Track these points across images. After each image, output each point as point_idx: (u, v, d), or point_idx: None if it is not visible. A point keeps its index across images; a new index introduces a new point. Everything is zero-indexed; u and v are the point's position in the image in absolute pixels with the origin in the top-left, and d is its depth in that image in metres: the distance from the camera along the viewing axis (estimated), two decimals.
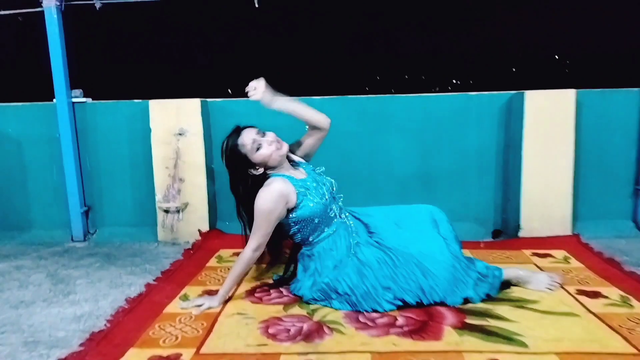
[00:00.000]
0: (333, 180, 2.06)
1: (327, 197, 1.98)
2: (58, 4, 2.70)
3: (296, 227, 1.96)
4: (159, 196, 2.84)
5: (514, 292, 2.00)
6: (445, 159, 2.90)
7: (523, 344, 1.57)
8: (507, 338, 1.61)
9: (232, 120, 2.89)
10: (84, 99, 2.91)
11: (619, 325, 1.69)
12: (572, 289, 2.03)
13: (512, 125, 2.81)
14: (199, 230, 2.85)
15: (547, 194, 2.74)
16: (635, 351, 1.52)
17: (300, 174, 2.02)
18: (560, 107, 2.69)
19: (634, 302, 1.90)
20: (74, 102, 2.88)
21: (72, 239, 2.94)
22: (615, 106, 2.83)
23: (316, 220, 1.94)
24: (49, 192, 2.98)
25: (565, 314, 1.80)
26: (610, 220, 2.88)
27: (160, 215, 2.86)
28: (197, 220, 2.86)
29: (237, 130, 1.97)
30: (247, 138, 1.93)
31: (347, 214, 2.05)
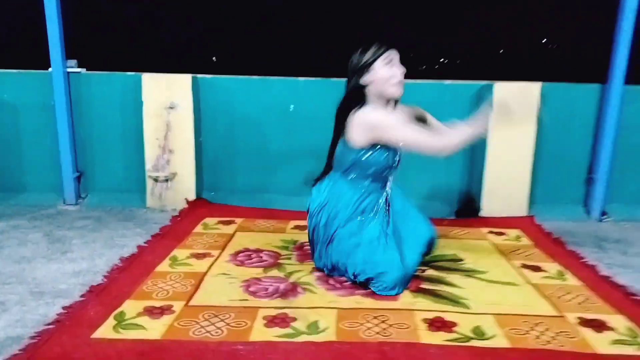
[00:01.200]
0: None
1: (397, 160, 2.06)
2: None
3: (354, 159, 1.99)
4: (148, 165, 3.02)
5: (466, 263, 2.27)
6: None
7: (466, 306, 1.84)
8: (453, 301, 1.88)
9: (220, 96, 3.11)
10: (78, 69, 3.04)
11: (550, 294, 1.97)
12: (517, 263, 2.31)
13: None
14: (186, 199, 3.05)
15: (507, 178, 3.00)
16: (557, 313, 1.81)
17: None
18: (525, 98, 2.93)
19: (568, 275, 2.18)
20: (69, 72, 3.01)
21: (64, 202, 3.11)
22: (577, 100, 3.09)
23: (371, 170, 2.01)
24: (43, 157, 3.13)
25: (507, 284, 2.07)
26: (563, 204, 3.17)
27: (149, 184, 3.05)
28: (184, 189, 3.06)
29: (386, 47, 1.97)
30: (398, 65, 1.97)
31: (390, 189, 2.10)
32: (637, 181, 3.17)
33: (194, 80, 3.00)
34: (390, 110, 2.04)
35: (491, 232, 2.79)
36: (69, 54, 3.01)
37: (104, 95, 3.07)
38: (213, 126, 3.11)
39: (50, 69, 2.97)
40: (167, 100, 2.94)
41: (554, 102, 3.01)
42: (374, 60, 1.94)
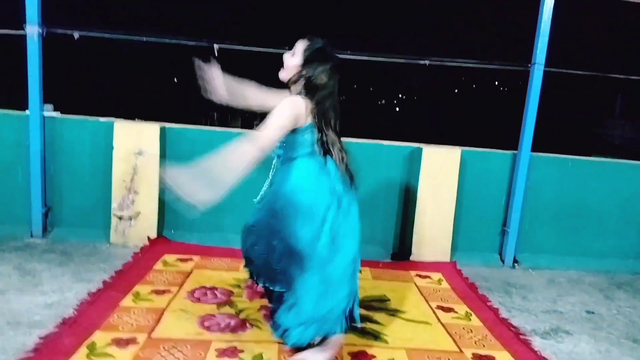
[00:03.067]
0: None
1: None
2: (40, 31, 3.09)
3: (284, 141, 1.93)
4: (114, 204, 3.29)
5: (392, 304, 2.68)
6: (360, 192, 3.56)
7: (385, 341, 2.24)
8: (375, 336, 2.28)
9: (186, 145, 3.44)
10: (54, 113, 3.31)
11: (455, 332, 2.41)
12: (434, 304, 2.75)
13: (412, 171, 3.52)
14: (148, 237, 3.33)
15: (433, 228, 3.47)
16: (457, 349, 2.24)
17: None
18: (448, 160, 3.44)
19: (473, 317, 2.64)
20: (45, 116, 3.27)
21: (31, 235, 3.32)
22: (492, 164, 3.64)
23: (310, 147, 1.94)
24: (13, 192, 3.33)
25: (422, 322, 2.50)
26: (481, 252, 3.67)
27: (114, 221, 3.31)
28: (146, 227, 3.34)
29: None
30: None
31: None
32: (543, 234, 3.72)
33: (162, 129, 3.33)
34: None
35: (418, 275, 3.23)
36: (45, 97, 3.28)
37: (77, 137, 3.33)
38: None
39: (27, 111, 3.22)
40: (136, 146, 3.24)
41: (473, 164, 3.54)
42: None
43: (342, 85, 2.04)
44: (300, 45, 1.97)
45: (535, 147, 3.57)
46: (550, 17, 3.44)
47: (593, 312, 2.90)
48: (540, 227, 3.70)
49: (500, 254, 3.69)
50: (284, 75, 1.99)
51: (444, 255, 3.52)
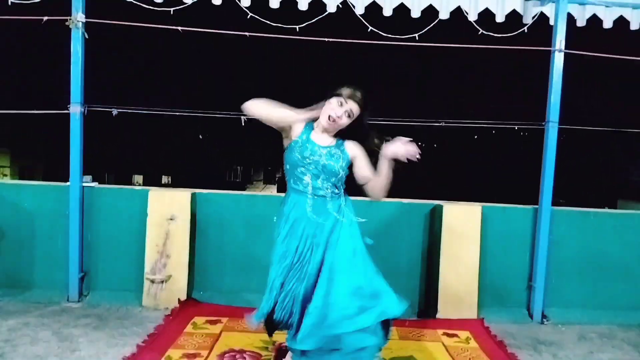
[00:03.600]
0: (341, 172, 2.25)
1: (310, 161, 2.22)
2: (82, 109, 3.38)
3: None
4: (147, 268, 3.44)
5: None
6: (382, 250, 3.63)
7: None
8: None
9: (215, 209, 3.60)
10: (93, 184, 3.54)
11: None
12: None
13: (434, 229, 3.58)
14: (178, 299, 3.43)
15: (459, 284, 3.49)
16: None
17: (324, 140, 2.27)
18: (469, 217, 3.51)
19: None
20: (84, 186, 3.50)
21: (67, 300, 3.47)
22: (514, 219, 3.68)
23: (287, 167, 2.27)
24: (52, 259, 3.52)
25: None
26: (509, 308, 3.64)
27: (146, 285, 3.44)
28: (177, 290, 3.46)
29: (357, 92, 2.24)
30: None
31: (315, 195, 2.24)
32: (571, 288, 3.69)
33: (193, 195, 3.51)
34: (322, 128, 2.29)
35: (445, 334, 3.22)
36: (85, 169, 3.52)
37: (113, 206, 3.54)
38: (205, 234, 3.58)
39: (68, 183, 3.46)
40: (168, 212, 3.42)
41: (495, 220, 3.60)
42: (333, 95, 2.24)
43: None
44: (355, 106, 2.23)
45: (563, 198, 3.62)
46: (561, 75, 3.58)
47: None
48: (567, 281, 3.68)
49: (528, 310, 3.66)
50: (337, 125, 2.26)
51: (471, 312, 3.51)
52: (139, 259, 3.47)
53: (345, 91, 2.22)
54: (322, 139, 2.28)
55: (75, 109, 3.36)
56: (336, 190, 2.29)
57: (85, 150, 3.50)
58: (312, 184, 2.24)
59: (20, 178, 20.82)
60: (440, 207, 3.52)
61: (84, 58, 3.36)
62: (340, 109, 2.21)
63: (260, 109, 2.26)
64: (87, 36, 3.34)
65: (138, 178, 26.60)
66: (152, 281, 3.43)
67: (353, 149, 2.30)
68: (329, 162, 2.23)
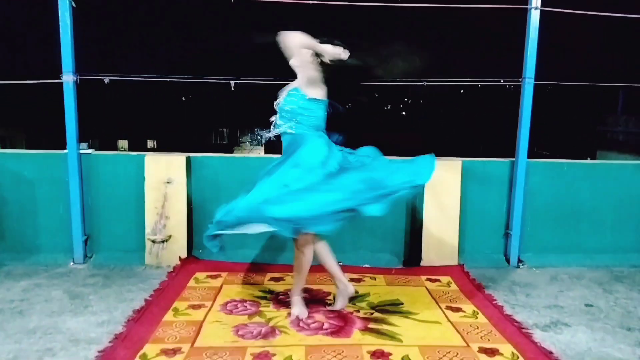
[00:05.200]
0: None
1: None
2: (74, 78, 3.46)
3: None
4: (148, 230, 3.62)
5: (405, 307, 2.96)
6: None
7: (400, 340, 2.52)
8: (391, 337, 2.56)
9: (210, 171, 3.75)
10: (89, 150, 3.66)
11: (463, 330, 2.67)
12: (443, 305, 3.01)
13: None
14: (180, 257, 3.64)
15: (441, 234, 3.75)
16: (465, 344, 2.51)
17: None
18: (450, 171, 3.73)
19: (480, 315, 2.90)
20: (81, 153, 3.62)
21: (73, 262, 3.65)
22: (492, 171, 3.91)
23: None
24: (55, 223, 3.68)
25: (432, 322, 2.77)
26: (487, 254, 3.93)
27: (148, 245, 3.64)
28: (177, 249, 3.66)
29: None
30: None
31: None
32: (545, 235, 3.97)
33: (187, 159, 3.66)
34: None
35: (428, 279, 3.49)
36: (81, 137, 3.63)
37: (111, 171, 3.68)
38: (202, 196, 3.75)
39: (66, 150, 3.58)
40: (165, 176, 3.58)
41: (474, 173, 3.82)
42: None
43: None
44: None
45: (547, 150, 3.84)
46: (537, 32, 3.72)
47: (592, 305, 3.15)
48: (541, 228, 3.95)
49: (505, 255, 3.95)
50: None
51: (452, 260, 3.78)
52: (139, 221, 3.65)
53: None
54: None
55: (68, 78, 3.44)
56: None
57: (80, 120, 3.60)
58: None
59: (2, 147, 20.60)
60: None
61: (73, 26, 3.41)
62: None
63: (300, 39, 2.65)
64: (74, 4, 3.38)
65: (123, 143, 26.39)
66: (154, 241, 3.63)
67: None
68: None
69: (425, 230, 3.73)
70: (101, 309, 2.86)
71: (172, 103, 27.10)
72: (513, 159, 3.87)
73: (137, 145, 25.34)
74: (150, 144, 28.75)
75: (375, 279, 3.47)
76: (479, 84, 4.38)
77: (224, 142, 32.78)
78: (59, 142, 3.77)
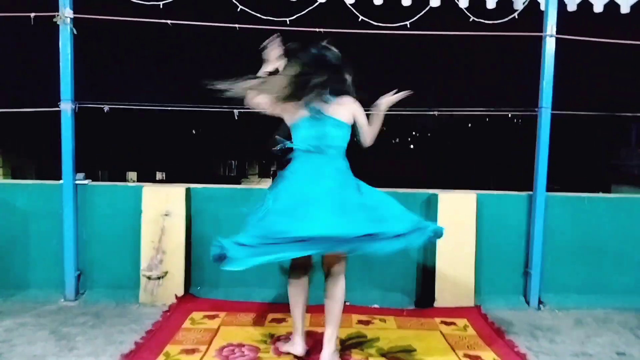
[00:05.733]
0: None
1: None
2: (73, 106, 3.34)
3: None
4: (143, 265, 3.42)
5: (418, 354, 2.70)
6: None
7: None
8: None
9: (211, 203, 3.58)
10: (86, 181, 3.51)
11: None
12: (461, 353, 2.75)
13: (429, 218, 3.58)
14: (176, 295, 3.43)
15: (455, 272, 3.50)
16: None
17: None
18: (464, 205, 3.52)
19: None
20: (77, 184, 3.47)
21: (64, 299, 3.45)
22: (509, 206, 3.69)
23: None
24: (48, 257, 3.50)
25: None
26: (505, 295, 3.66)
27: (142, 281, 3.43)
28: (174, 286, 3.45)
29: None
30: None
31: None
32: (567, 273, 3.70)
33: (187, 190, 3.50)
34: None
35: (443, 322, 3.23)
36: (77, 167, 3.49)
37: (107, 203, 3.52)
38: (201, 230, 3.56)
39: (61, 181, 3.43)
40: (163, 208, 3.40)
41: (490, 207, 3.60)
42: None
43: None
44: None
45: (558, 184, 3.63)
46: (553, 61, 3.58)
47: (624, 354, 2.86)
48: (563, 266, 3.70)
49: (524, 296, 3.68)
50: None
51: (468, 300, 3.52)
52: (135, 256, 3.46)
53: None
54: None
55: (66, 106, 3.32)
56: None
57: (78, 148, 3.47)
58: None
59: (13, 178, 20.70)
60: (435, 196, 3.52)
61: (73, 54, 3.32)
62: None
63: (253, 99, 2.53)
64: (75, 32, 3.30)
65: (132, 175, 26.49)
66: (149, 278, 3.42)
67: None
68: None
69: (439, 268, 3.49)
70: (88, 352, 2.64)
71: (182, 135, 27.32)
72: (531, 193, 3.65)
73: (146, 176, 25.44)
74: (159, 175, 28.86)
75: (385, 321, 3.22)
76: (487, 115, 4.22)
77: (232, 174, 32.83)
78: None
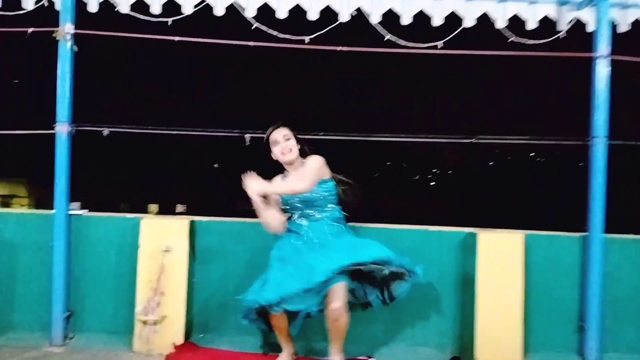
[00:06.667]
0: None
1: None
2: (70, 129, 3.05)
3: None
4: (139, 308, 3.01)
5: None
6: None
7: None
8: None
9: (217, 239, 3.21)
10: (80, 211, 3.18)
11: None
12: None
13: (467, 261, 3.11)
14: (174, 344, 2.99)
15: (499, 326, 2.99)
16: None
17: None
18: (509, 247, 3.03)
19: None
20: (70, 214, 3.13)
21: (50, 344, 3.06)
22: (560, 249, 3.18)
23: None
24: (35, 296, 3.14)
25: None
26: (558, 353, 3.11)
27: (138, 326, 3.02)
28: (172, 332, 3.02)
29: (277, 125, 2.82)
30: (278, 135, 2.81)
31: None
32: (631, 330, 3.14)
33: (191, 223, 3.12)
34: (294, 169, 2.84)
35: None
36: (72, 196, 3.16)
37: (103, 236, 3.17)
38: (206, 268, 3.17)
39: (53, 211, 3.10)
40: (163, 243, 3.02)
41: (539, 251, 3.11)
42: (267, 144, 2.83)
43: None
44: (287, 131, 2.80)
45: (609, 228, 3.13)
46: (606, 85, 3.16)
47: None
48: (625, 321, 3.14)
49: (581, 355, 3.12)
50: (294, 155, 2.79)
51: (514, 358, 2.99)
52: (130, 297, 3.06)
53: (268, 133, 2.82)
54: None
55: (62, 129, 3.03)
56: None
57: (75, 178, 3.15)
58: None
59: (37, 208, 20.79)
60: (474, 235, 3.05)
61: (73, 73, 3.05)
62: (279, 145, 2.78)
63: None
64: (76, 49, 3.04)
65: (153, 207, 26.39)
66: (145, 322, 3.01)
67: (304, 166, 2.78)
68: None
69: (479, 321, 2.98)
70: None
71: (205, 166, 27.29)
72: (585, 234, 3.15)
73: (167, 209, 25.29)
74: (180, 208, 28.72)
75: None
76: (534, 147, 3.77)
77: (252, 208, 32.50)
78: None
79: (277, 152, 2.77)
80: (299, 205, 2.75)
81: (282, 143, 2.76)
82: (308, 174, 2.65)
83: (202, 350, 3.04)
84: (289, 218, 2.83)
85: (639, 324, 3.14)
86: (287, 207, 2.80)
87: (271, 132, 2.77)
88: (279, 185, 2.76)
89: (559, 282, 3.15)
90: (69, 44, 3.02)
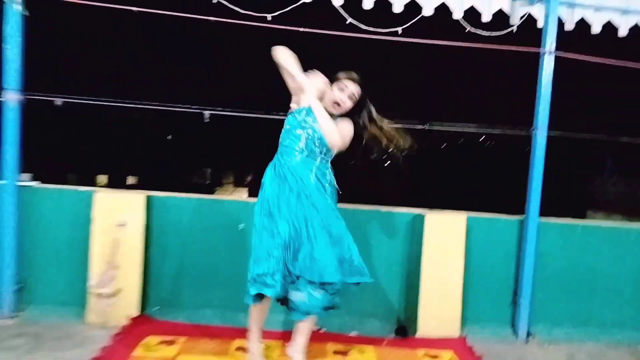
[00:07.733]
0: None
1: (309, 126, 2.50)
2: (19, 98, 2.95)
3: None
4: (93, 281, 3.02)
5: None
6: None
7: None
8: None
9: (174, 214, 3.23)
10: (30, 183, 3.10)
11: None
12: None
13: (414, 239, 3.30)
14: (129, 316, 3.03)
15: (440, 299, 3.21)
16: None
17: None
18: (453, 227, 3.24)
19: None
20: (20, 185, 3.06)
21: (0, 316, 3.02)
22: (499, 230, 3.43)
23: (287, 127, 2.55)
24: None
25: None
26: (493, 324, 3.38)
27: (92, 299, 3.03)
28: (127, 305, 3.05)
29: (357, 79, 2.57)
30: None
31: (306, 151, 2.51)
32: (558, 304, 3.45)
33: (148, 198, 3.12)
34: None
35: (426, 355, 2.93)
36: (26, 168, 3.08)
37: (55, 209, 3.12)
38: (162, 243, 3.19)
39: (2, 182, 3.01)
40: (118, 217, 3.02)
41: (479, 231, 3.33)
42: (334, 81, 2.56)
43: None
44: (358, 91, 2.56)
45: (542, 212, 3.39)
46: (550, 80, 3.37)
47: None
48: (554, 296, 3.44)
49: (513, 327, 3.41)
50: (340, 111, 2.57)
51: (453, 329, 3.23)
52: (83, 270, 3.05)
53: (343, 75, 2.54)
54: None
55: (11, 97, 2.92)
56: (325, 159, 2.55)
57: (27, 149, 3.07)
58: (306, 143, 2.49)
59: None
60: (422, 216, 3.24)
61: (24, 38, 2.93)
62: (342, 93, 2.52)
63: (286, 57, 2.50)
64: (27, 13, 2.92)
65: (102, 178, 25.44)
66: (99, 295, 3.02)
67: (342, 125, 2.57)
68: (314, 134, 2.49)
69: (423, 295, 3.19)
70: None
71: (158, 139, 26.50)
72: (522, 217, 3.41)
73: (117, 181, 24.45)
74: (131, 180, 27.83)
75: (363, 351, 2.91)
76: (483, 133, 3.99)
77: (207, 182, 31.98)
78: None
79: (334, 95, 2.52)
80: (316, 141, 2.49)
81: (345, 95, 2.52)
82: (346, 138, 2.55)
83: (157, 322, 3.09)
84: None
85: (566, 299, 3.45)
86: (306, 136, 2.50)
87: (349, 77, 2.53)
88: (327, 116, 2.48)
89: (497, 261, 3.40)
90: (17, 6, 2.89)
